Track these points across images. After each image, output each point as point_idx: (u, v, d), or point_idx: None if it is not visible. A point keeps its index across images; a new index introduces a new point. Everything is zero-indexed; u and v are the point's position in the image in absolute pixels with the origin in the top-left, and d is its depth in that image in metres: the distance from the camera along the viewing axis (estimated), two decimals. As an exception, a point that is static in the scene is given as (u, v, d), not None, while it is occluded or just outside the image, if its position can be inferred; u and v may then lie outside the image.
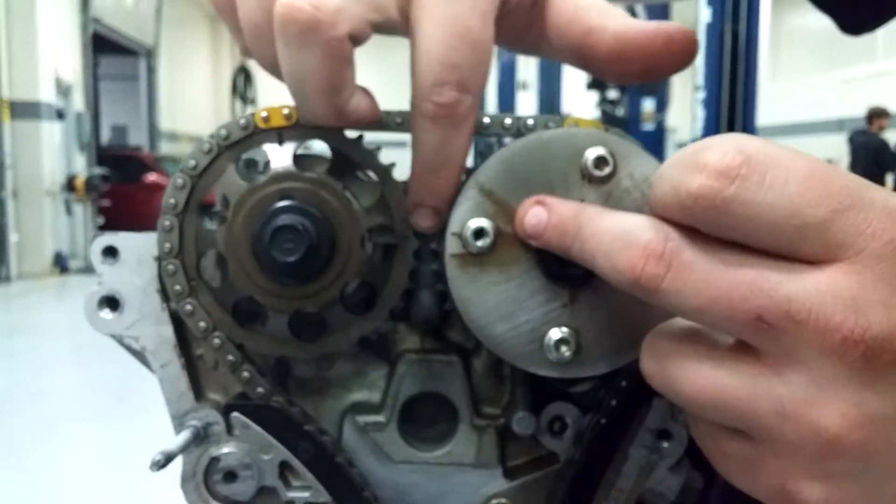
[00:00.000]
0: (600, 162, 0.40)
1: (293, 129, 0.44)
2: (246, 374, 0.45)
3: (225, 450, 0.47)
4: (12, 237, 9.33)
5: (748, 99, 6.66)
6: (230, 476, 0.47)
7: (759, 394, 0.33)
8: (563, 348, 0.40)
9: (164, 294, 0.46)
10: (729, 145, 0.33)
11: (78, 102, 10.70)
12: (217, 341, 0.45)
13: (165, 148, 14.32)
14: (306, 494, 0.45)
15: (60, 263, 9.95)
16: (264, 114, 0.44)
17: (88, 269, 10.64)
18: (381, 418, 0.48)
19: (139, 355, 0.49)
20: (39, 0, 9.45)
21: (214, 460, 0.47)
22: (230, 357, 0.45)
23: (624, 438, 0.46)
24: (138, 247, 0.47)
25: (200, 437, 0.47)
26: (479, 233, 0.40)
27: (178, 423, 0.47)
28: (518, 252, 0.41)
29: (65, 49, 10.27)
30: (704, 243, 0.34)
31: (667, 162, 0.35)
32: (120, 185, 11.56)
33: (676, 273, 0.33)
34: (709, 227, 0.33)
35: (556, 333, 0.41)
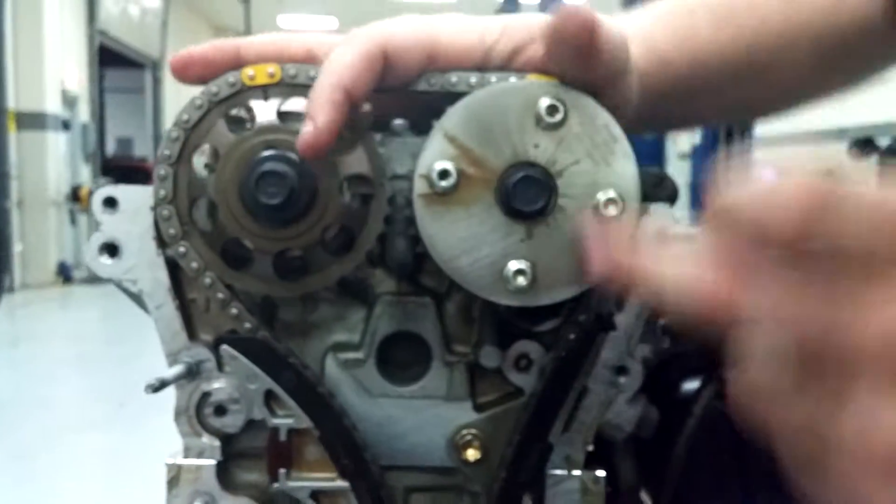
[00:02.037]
0: (552, 109, 0.44)
1: (277, 86, 0.48)
2: (234, 310, 0.49)
3: (215, 385, 0.51)
4: (16, 247, 9.40)
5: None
6: (220, 410, 0.51)
7: None
8: (521, 278, 0.44)
9: (160, 240, 0.50)
10: None
11: (84, 113, 10.79)
12: (208, 280, 0.49)
13: (170, 159, 14.38)
14: (290, 421, 0.49)
15: (64, 273, 10.00)
16: (251, 72, 0.48)
17: (93, 280, 10.71)
18: (359, 355, 0.51)
19: (136, 298, 0.53)
20: (46, 12, 9.56)
21: (206, 395, 0.51)
22: (220, 295, 0.49)
23: (583, 372, 0.50)
24: (136, 198, 0.51)
25: (193, 373, 0.51)
26: (444, 174, 0.44)
27: (173, 360, 0.51)
28: (479, 192, 0.45)
29: (71, 61, 10.37)
30: None
31: None
32: (124, 196, 11.61)
33: None
34: None
35: (513, 265, 0.44)
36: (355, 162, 0.48)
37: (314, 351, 0.52)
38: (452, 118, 0.45)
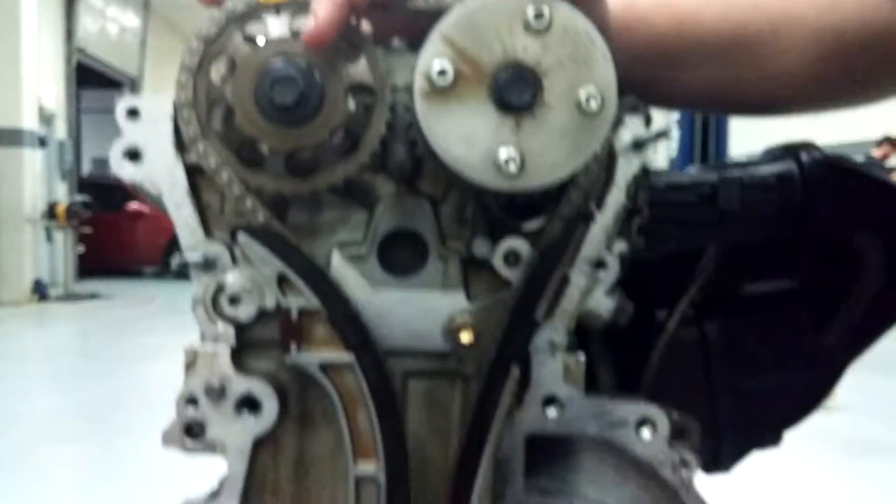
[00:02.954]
0: (538, 16, 0.50)
1: (288, 4, 0.54)
2: (249, 203, 0.54)
3: (229, 277, 0.55)
4: (-9, 264, 9.31)
5: (721, 121, 6.86)
6: (234, 300, 0.55)
7: None
8: (511, 165, 0.50)
9: (179, 143, 0.55)
10: None
11: (60, 131, 10.74)
12: (225, 177, 0.54)
13: (147, 178, 14.34)
14: (300, 300, 0.54)
15: (40, 291, 9.90)
16: None
17: (69, 297, 10.60)
18: (362, 251, 0.56)
19: (157, 200, 0.57)
20: (24, 29, 9.55)
21: (220, 287, 0.55)
22: (236, 190, 0.54)
23: (565, 261, 0.55)
24: (156, 107, 0.56)
25: (209, 265, 0.55)
26: (442, 72, 0.50)
27: (191, 254, 0.55)
28: (473, 88, 0.50)
29: (48, 78, 10.35)
30: None
31: None
32: (102, 214, 11.56)
33: None
34: None
35: (504, 153, 0.50)
36: (359, 72, 0.54)
37: (321, 249, 0.57)
38: (449, 22, 0.50)
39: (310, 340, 0.54)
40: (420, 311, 0.56)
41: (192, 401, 0.55)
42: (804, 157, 0.66)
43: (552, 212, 0.56)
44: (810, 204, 0.65)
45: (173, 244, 12.50)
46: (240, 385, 0.55)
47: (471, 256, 0.56)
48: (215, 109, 0.54)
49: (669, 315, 0.71)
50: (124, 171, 0.56)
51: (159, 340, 8.31)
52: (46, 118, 10.31)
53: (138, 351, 7.51)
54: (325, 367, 0.54)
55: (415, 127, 0.52)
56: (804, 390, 0.78)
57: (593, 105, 0.50)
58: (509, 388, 0.54)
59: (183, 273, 12.43)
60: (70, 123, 11.07)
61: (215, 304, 0.55)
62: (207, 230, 0.56)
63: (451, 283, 0.56)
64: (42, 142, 10.13)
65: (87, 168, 15.86)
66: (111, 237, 11.87)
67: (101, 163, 17.67)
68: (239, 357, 0.56)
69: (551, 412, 0.56)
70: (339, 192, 0.56)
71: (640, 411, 0.57)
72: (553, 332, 0.56)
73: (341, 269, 0.56)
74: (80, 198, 10.68)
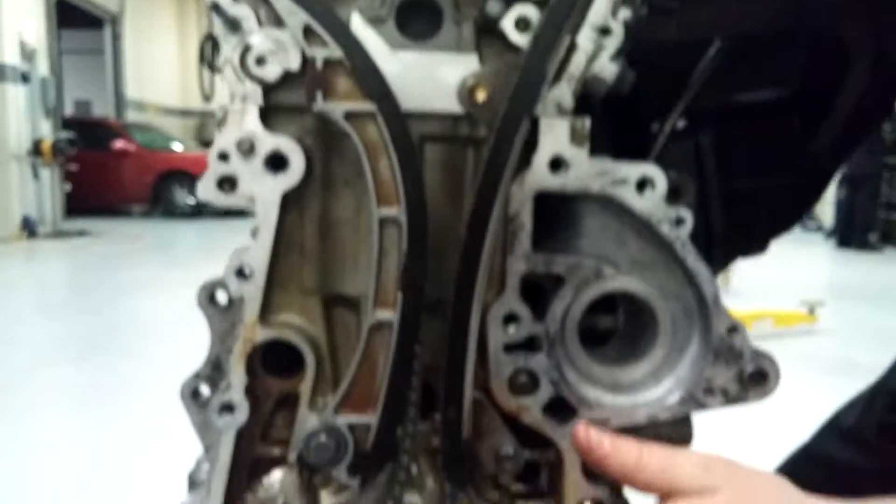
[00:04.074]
0: None
1: None
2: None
3: (256, 38, 0.58)
4: (-22, 202, 9.26)
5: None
6: (260, 60, 0.59)
7: None
8: None
9: None
10: None
11: (42, 67, 10.57)
12: (251, -65, 0.56)
13: (132, 117, 14.20)
14: (325, 51, 0.57)
15: (29, 228, 9.88)
16: None
17: (58, 234, 10.58)
18: (382, 12, 0.60)
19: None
20: (2, -39, 9.33)
21: (247, 47, 0.59)
22: None
23: (571, 26, 0.58)
24: None
25: (236, 27, 0.58)
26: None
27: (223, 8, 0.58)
28: None
29: (29, 13, 10.14)
30: None
31: None
32: (87, 152, 11.46)
33: None
34: None
35: None
36: None
37: (342, 11, 0.60)
38: None
39: (334, 92, 0.58)
40: (436, 72, 0.60)
41: (223, 156, 0.59)
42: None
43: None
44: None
45: (160, 182, 12.45)
46: (268, 142, 0.59)
47: (483, 23, 0.60)
48: None
49: (663, 124, 0.76)
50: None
51: (149, 274, 8.37)
52: (28, 54, 10.14)
53: (129, 284, 7.55)
54: (349, 116, 0.58)
55: None
56: (791, 196, 0.83)
57: None
58: (519, 141, 0.58)
59: (170, 212, 12.44)
60: (52, 60, 10.89)
61: (243, 64, 0.59)
62: (233, -7, 0.59)
63: (464, 46, 0.60)
64: (24, 78, 9.98)
65: (69, 110, 15.64)
66: (98, 176, 11.80)
67: (84, 105, 17.43)
68: (266, 119, 0.59)
69: (557, 171, 0.60)
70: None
71: (640, 171, 0.61)
72: (560, 95, 0.60)
73: (361, 30, 0.59)
74: (65, 135, 10.57)
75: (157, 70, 15.38)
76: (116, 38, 13.64)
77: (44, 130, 10.44)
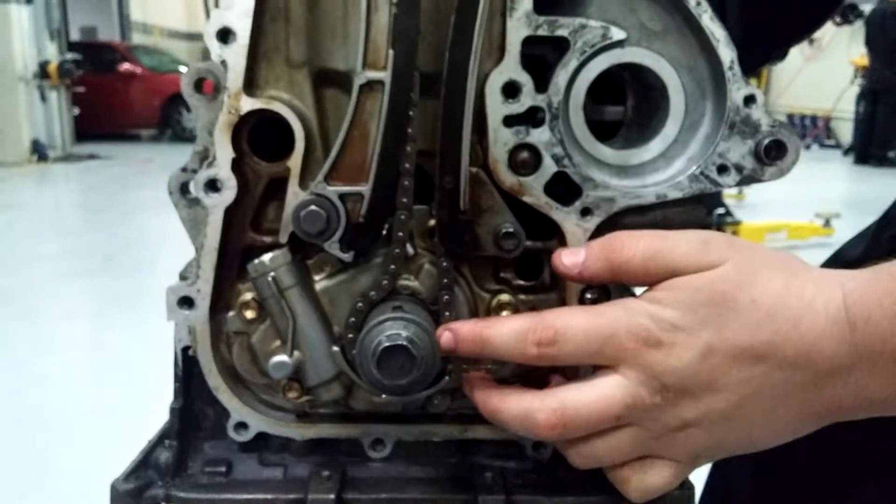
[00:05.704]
0: None
1: None
2: None
3: None
4: (-13, 125, 9.22)
5: None
6: None
7: None
8: None
9: None
10: None
11: (45, -13, 10.38)
12: None
13: (138, 40, 13.98)
14: None
15: (39, 151, 9.87)
16: None
17: (68, 158, 10.55)
18: None
19: None
20: None
21: None
22: None
23: None
24: None
25: None
26: None
27: None
28: None
29: (29, -70, 9.90)
30: None
31: None
32: (94, 75, 11.34)
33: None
34: None
35: None
36: None
37: None
38: None
39: None
40: None
41: None
42: None
43: None
44: None
45: (168, 106, 12.32)
46: None
47: None
48: None
49: None
50: None
51: (159, 195, 8.25)
52: (30, -27, 9.93)
53: (140, 203, 7.56)
54: None
55: None
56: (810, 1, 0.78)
57: None
58: None
59: (179, 137, 12.35)
60: (55, -21, 10.66)
61: None
62: None
63: None
64: (27, -2, 9.81)
65: (74, 36, 15.43)
66: (105, 99, 11.70)
67: (89, 31, 17.17)
68: None
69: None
70: None
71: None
72: None
73: None
74: (70, 56, 10.44)
75: (161, -9, 15.07)
76: (119, -43, 13.32)
77: (49, 52, 10.31)
